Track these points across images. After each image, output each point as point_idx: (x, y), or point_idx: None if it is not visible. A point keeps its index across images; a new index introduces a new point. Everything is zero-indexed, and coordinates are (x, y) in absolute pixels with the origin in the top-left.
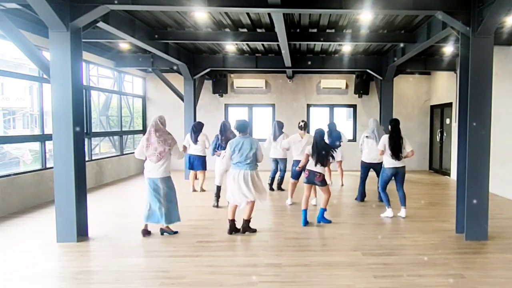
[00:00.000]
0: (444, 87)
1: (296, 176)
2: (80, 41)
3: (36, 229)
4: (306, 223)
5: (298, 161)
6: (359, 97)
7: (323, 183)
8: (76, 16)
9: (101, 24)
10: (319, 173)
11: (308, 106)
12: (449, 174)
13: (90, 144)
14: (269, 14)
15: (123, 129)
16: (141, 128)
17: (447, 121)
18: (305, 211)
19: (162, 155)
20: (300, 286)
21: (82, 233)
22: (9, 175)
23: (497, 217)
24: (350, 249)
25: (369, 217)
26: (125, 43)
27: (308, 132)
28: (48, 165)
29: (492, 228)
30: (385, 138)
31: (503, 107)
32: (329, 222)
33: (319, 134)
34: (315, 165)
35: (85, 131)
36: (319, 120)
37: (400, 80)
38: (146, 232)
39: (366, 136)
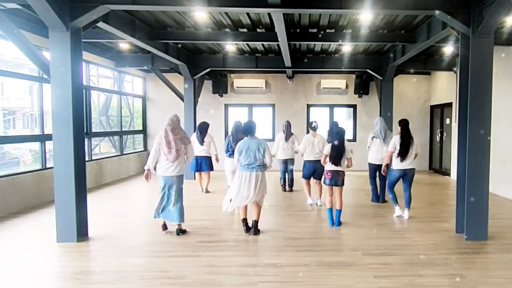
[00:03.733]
0: (444, 87)
1: (308, 176)
2: (80, 41)
3: (36, 229)
4: (333, 222)
5: (309, 162)
6: (359, 97)
7: (343, 182)
8: (76, 16)
9: (101, 24)
10: (342, 171)
11: (308, 106)
12: (449, 174)
13: (90, 144)
14: (269, 14)
15: (123, 129)
16: (141, 128)
17: (447, 121)
18: (331, 209)
19: (179, 153)
20: (300, 286)
21: (82, 233)
22: (9, 175)
23: (497, 217)
24: (350, 249)
25: (369, 217)
26: (125, 43)
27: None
28: (48, 165)
29: (492, 228)
30: (396, 138)
31: (503, 107)
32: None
33: (342, 133)
34: (335, 164)
35: (85, 131)
36: (319, 120)
37: (400, 80)
38: (165, 227)
39: (373, 137)
